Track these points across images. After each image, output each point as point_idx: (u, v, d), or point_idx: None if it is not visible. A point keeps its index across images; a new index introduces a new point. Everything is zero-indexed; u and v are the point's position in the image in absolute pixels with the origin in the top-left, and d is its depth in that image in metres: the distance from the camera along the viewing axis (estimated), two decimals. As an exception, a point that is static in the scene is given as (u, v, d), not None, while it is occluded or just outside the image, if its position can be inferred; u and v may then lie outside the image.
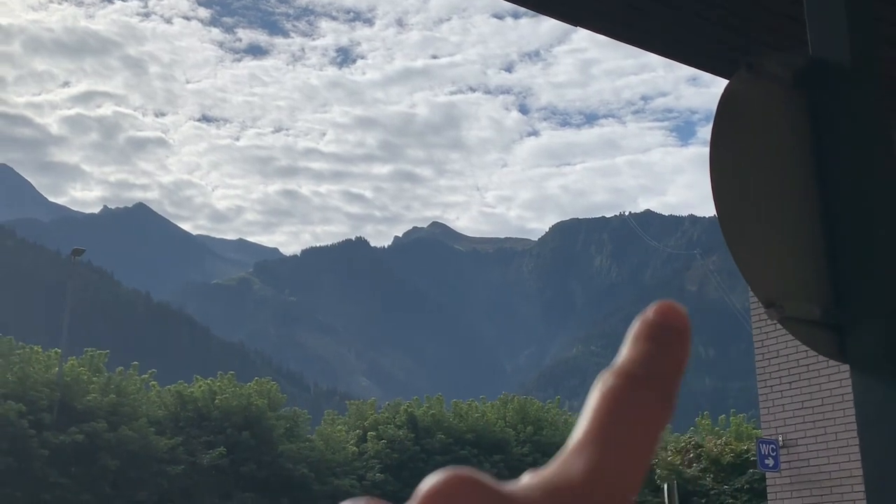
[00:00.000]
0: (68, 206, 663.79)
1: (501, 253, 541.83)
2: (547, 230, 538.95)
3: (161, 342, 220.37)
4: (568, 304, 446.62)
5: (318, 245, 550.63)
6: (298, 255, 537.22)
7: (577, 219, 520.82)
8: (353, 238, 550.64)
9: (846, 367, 2.29)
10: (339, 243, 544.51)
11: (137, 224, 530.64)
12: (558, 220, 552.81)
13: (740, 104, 2.49)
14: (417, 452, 37.51)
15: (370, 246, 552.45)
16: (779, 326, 2.38)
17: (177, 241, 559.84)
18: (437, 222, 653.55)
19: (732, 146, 2.44)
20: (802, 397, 12.69)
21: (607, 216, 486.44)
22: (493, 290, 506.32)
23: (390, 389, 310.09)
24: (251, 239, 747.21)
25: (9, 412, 29.60)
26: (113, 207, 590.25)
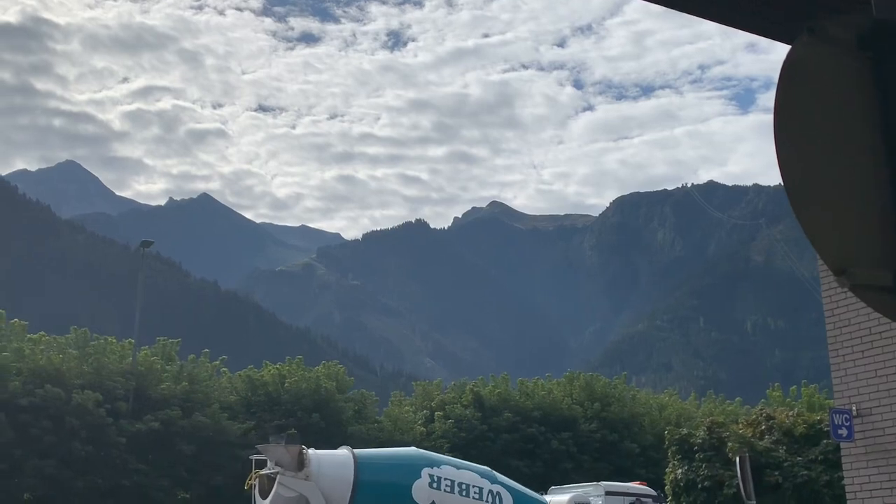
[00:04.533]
0: (135, 199, 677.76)
1: (562, 230, 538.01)
2: (607, 205, 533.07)
3: (230, 329, 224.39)
4: (632, 280, 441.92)
5: (377, 229, 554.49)
6: (359, 239, 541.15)
7: (638, 192, 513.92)
8: (413, 220, 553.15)
9: (923, 332, 2.44)
10: (398, 226, 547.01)
11: (202, 214, 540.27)
12: (618, 195, 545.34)
13: (804, 69, 2.42)
14: (485, 431, 37.67)
15: (430, 227, 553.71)
16: (850, 294, 2.34)
17: (241, 229, 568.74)
18: (495, 201, 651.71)
19: (797, 112, 2.39)
20: (876, 365, 12.41)
21: (669, 189, 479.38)
22: (556, 267, 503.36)
23: (455, 369, 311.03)
24: (312, 225, 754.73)
25: (87, 402, 30.51)
26: (178, 199, 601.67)
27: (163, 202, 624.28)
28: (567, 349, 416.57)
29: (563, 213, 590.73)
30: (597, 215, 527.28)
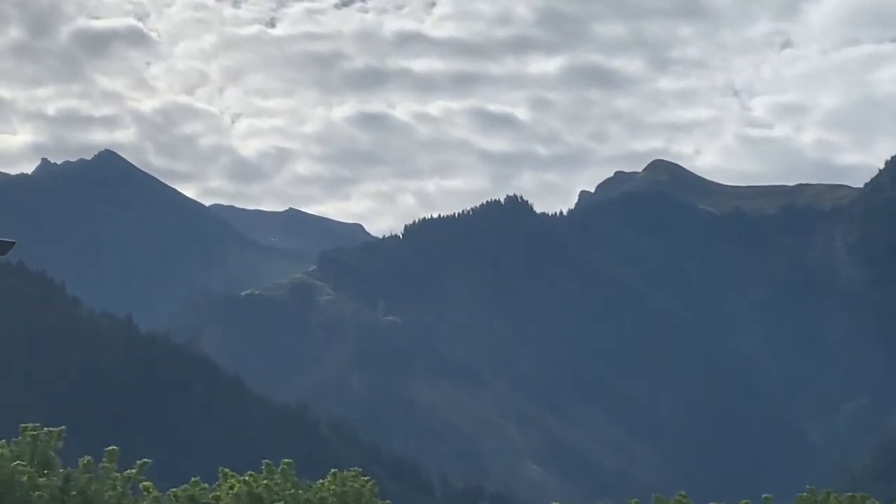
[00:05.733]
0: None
1: (792, 215, 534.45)
2: (881, 167, 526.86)
3: (156, 405, 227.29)
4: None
5: (433, 216, 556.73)
6: (399, 236, 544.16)
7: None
8: (501, 199, 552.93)
9: None
10: (473, 210, 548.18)
11: (103, 191, 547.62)
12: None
13: None
14: None
15: (534, 213, 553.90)
16: None
17: (176, 218, 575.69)
18: (660, 161, 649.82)
19: None
20: None
21: None
22: (781, 286, 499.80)
23: (586, 483, 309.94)
24: (308, 209, 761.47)
25: None
26: (57, 162, 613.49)
27: (30, 169, 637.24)
28: (804, 443, 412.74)
29: (792, 184, 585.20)
30: (861, 186, 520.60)
